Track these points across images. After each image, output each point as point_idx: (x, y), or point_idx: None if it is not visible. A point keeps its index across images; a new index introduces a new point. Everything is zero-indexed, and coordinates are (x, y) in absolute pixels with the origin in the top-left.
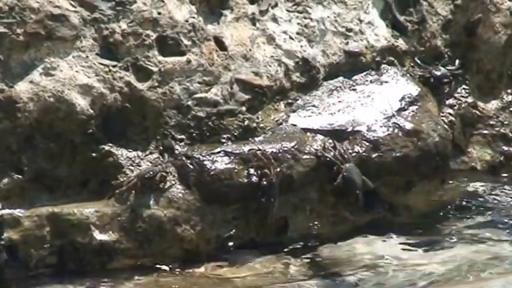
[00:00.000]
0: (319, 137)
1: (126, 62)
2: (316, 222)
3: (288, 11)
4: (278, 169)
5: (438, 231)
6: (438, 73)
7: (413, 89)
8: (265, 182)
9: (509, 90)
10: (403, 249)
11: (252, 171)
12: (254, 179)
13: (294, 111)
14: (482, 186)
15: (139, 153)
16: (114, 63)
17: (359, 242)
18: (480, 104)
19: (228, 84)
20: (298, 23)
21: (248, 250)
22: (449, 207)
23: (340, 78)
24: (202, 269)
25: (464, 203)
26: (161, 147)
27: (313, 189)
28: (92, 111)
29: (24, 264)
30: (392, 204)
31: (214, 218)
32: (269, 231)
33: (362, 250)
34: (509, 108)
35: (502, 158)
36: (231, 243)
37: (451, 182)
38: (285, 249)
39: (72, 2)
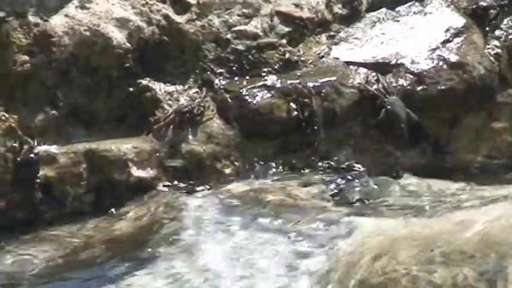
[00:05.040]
0: (362, 70)
1: None
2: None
3: None
4: (320, 102)
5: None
6: (484, 4)
7: (458, 21)
8: (307, 113)
9: None
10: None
11: (293, 105)
12: (295, 113)
13: (336, 44)
14: None
15: (178, 88)
16: None
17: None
18: None
19: (268, 16)
20: None
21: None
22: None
23: (383, 10)
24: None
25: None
26: (200, 81)
27: (357, 123)
28: (128, 45)
29: (60, 202)
30: (437, 138)
31: (254, 153)
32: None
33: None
34: None
35: None
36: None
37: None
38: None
39: None
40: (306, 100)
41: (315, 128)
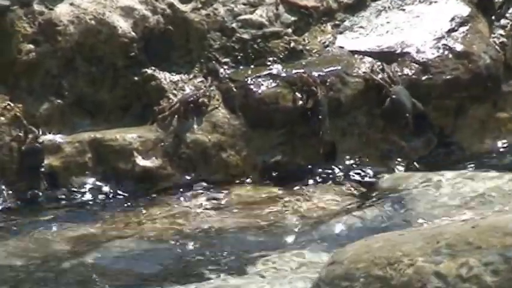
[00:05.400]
0: (367, 59)
1: None
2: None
3: None
4: (325, 91)
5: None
6: None
7: (463, 9)
8: (312, 102)
9: None
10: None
11: (298, 94)
12: (300, 102)
13: (341, 33)
14: None
15: (183, 77)
16: None
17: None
18: None
19: (274, 5)
20: None
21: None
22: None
23: None
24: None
25: None
26: (205, 71)
27: (362, 113)
28: (134, 33)
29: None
30: (442, 128)
31: (260, 143)
32: (317, 155)
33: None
34: None
35: None
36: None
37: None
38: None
39: None
40: (311, 89)
41: (320, 117)
